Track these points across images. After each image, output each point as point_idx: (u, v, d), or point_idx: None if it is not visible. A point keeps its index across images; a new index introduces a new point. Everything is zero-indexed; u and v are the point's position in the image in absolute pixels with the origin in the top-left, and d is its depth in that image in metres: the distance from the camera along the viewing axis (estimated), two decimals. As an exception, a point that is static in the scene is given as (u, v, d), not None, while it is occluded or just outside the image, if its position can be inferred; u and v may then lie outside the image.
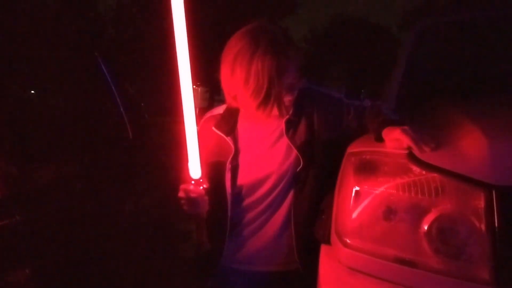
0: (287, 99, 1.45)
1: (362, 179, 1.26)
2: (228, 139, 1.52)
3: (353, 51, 27.92)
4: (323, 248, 1.40)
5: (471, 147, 1.13)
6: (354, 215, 1.24)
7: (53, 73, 2.14)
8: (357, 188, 1.25)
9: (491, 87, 1.98)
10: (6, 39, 1.84)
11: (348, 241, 1.24)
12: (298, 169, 1.49)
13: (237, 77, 1.39)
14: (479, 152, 1.11)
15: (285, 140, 1.51)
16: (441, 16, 2.78)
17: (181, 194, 1.41)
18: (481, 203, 1.05)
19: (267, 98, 1.40)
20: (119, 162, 2.10)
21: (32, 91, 2.27)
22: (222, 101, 1.58)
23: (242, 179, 1.54)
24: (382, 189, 1.20)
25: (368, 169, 1.26)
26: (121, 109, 2.25)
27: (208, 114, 1.64)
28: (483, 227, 1.05)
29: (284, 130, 1.50)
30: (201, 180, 1.39)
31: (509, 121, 1.33)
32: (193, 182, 1.38)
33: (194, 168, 1.37)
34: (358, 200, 1.24)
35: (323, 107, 1.55)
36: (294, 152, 1.50)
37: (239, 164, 1.53)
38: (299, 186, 1.51)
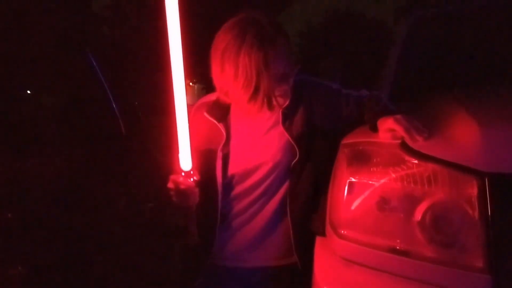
0: (282, 88, 1.42)
1: (355, 170, 1.26)
2: (220, 126, 1.49)
3: (348, 45, 27.90)
4: (318, 240, 1.40)
5: (464, 135, 1.13)
6: (348, 206, 1.24)
7: (47, 71, 2.14)
8: (350, 179, 1.25)
9: (484, 78, 1.98)
10: (2, 40, 1.83)
11: (342, 232, 1.24)
12: (294, 161, 1.47)
13: (226, 72, 1.38)
14: (471, 140, 1.11)
15: (279, 129, 1.48)
16: (435, 8, 2.78)
17: (170, 185, 1.39)
18: (474, 191, 1.05)
19: (257, 91, 1.38)
20: (112, 158, 2.10)
21: (28, 91, 2.28)
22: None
23: (233, 168, 1.51)
24: (375, 179, 1.20)
25: (361, 160, 1.26)
26: (113, 105, 2.24)
27: (201, 101, 1.61)
28: (476, 215, 1.04)
29: (280, 120, 1.47)
30: (191, 172, 1.37)
31: (502, 110, 1.33)
32: (183, 173, 1.36)
33: (185, 160, 1.35)
34: (352, 191, 1.24)
35: (322, 98, 1.52)
36: (290, 142, 1.47)
37: (231, 152, 1.50)
38: (294, 177, 1.49)
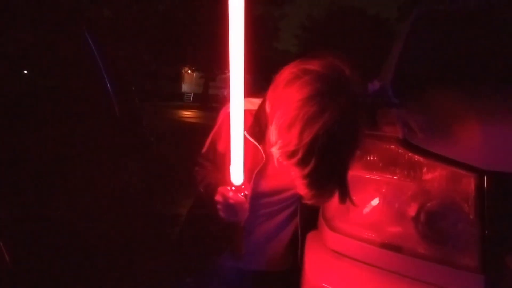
0: None
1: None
2: (261, 147, 1.34)
3: (350, 40, 27.88)
4: (310, 233, 1.38)
5: (464, 133, 1.11)
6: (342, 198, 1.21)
7: (45, 51, 2.11)
8: (346, 171, 1.23)
9: (487, 75, 1.96)
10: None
11: (334, 224, 1.22)
12: None
13: (300, 138, 1.05)
14: (471, 137, 1.08)
15: None
16: (438, 5, 2.75)
17: (218, 197, 1.26)
18: (471, 189, 1.03)
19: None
20: (106, 139, 2.06)
21: (25, 71, 2.25)
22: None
23: (261, 187, 1.39)
24: (371, 172, 1.18)
25: (358, 152, 1.23)
26: (108, 87, 2.20)
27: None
28: (472, 213, 1.03)
29: None
30: (242, 187, 1.25)
31: (503, 108, 1.31)
32: (233, 188, 1.24)
33: (236, 174, 1.22)
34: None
35: None
36: None
37: (264, 174, 1.38)
38: None
